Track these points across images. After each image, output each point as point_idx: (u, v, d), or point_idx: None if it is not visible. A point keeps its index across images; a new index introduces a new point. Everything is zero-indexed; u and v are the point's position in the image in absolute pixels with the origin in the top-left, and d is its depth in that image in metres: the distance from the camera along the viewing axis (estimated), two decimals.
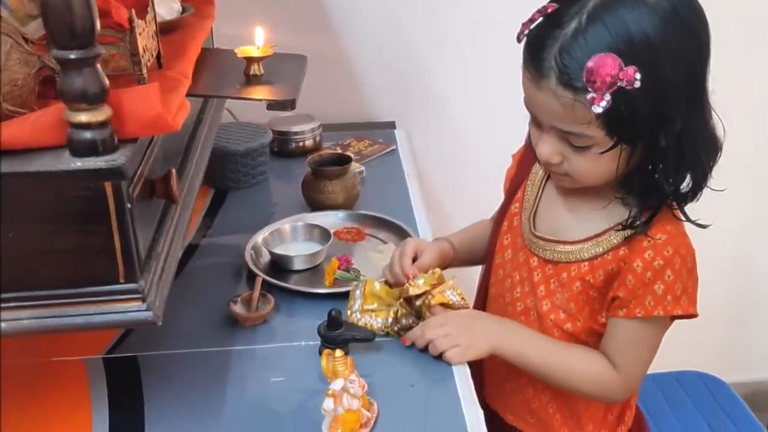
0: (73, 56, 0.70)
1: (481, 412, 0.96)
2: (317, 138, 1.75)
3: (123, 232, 0.77)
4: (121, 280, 0.79)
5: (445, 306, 1.08)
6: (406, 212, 1.48)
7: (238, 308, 1.14)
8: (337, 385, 0.88)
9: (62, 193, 0.74)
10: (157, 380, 1.03)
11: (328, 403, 0.88)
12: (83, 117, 0.72)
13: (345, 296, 1.19)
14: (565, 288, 1.04)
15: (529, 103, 0.95)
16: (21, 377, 1.02)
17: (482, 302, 1.19)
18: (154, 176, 0.89)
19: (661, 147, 0.92)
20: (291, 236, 1.35)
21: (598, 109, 0.85)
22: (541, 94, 0.91)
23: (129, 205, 0.77)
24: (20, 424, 0.95)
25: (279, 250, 1.30)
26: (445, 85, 1.91)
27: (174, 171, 0.89)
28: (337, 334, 1.04)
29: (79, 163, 0.73)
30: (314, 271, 1.28)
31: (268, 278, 1.22)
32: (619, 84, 0.85)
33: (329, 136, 1.80)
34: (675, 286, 0.96)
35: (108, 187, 0.74)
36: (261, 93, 1.03)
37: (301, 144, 1.73)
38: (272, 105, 1.00)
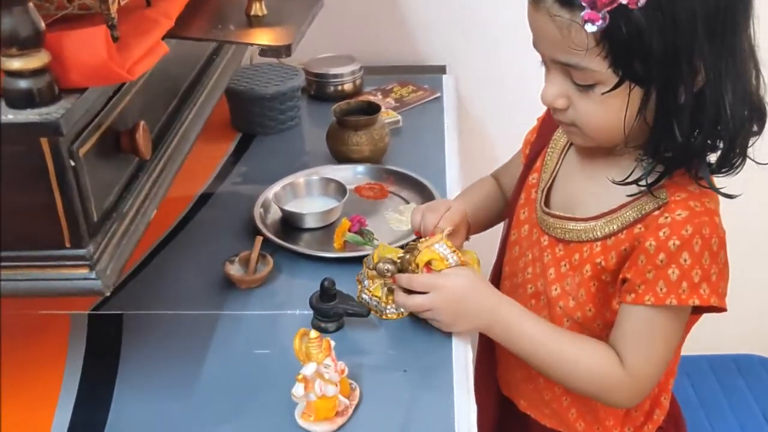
0: None
1: (474, 407, 0.85)
2: (357, 81, 1.64)
3: (65, 192, 0.69)
4: (67, 245, 0.72)
5: (436, 262, 0.94)
6: (437, 168, 1.35)
7: (234, 269, 1.06)
8: (308, 369, 0.79)
9: None
10: (138, 340, 0.98)
11: (298, 389, 0.79)
12: (16, 63, 0.65)
13: (354, 261, 1.10)
14: (576, 272, 0.91)
15: (534, 39, 0.85)
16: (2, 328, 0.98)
17: (497, 280, 1.07)
18: (124, 128, 0.81)
19: (679, 102, 0.79)
20: (305, 191, 1.25)
21: (592, 28, 0.75)
22: (539, 17, 0.81)
23: (72, 163, 0.69)
24: None
25: (291, 207, 1.21)
26: (501, 30, 1.74)
27: (143, 125, 0.81)
28: (329, 307, 0.95)
29: (11, 116, 0.65)
30: (328, 230, 1.19)
31: (271, 237, 1.13)
32: (619, 0, 0.73)
33: (371, 79, 1.69)
34: (693, 272, 0.83)
35: (44, 143, 0.67)
36: (255, 37, 0.92)
37: (339, 87, 1.62)
38: (265, 51, 0.89)
